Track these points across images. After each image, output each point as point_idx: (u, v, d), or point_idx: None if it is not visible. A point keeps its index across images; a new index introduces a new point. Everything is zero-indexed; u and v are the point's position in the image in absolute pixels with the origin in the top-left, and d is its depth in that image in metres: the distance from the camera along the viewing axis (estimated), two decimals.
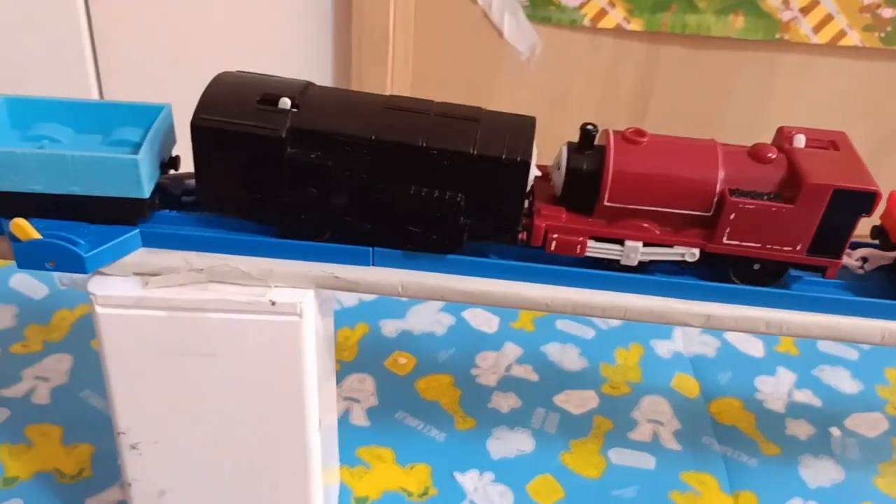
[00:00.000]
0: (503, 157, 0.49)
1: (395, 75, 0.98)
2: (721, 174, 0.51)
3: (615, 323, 0.93)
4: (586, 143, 0.52)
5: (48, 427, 0.75)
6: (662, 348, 0.89)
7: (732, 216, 0.50)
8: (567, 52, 0.98)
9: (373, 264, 0.52)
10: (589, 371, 0.86)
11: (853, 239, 0.53)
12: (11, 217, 0.50)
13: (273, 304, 0.50)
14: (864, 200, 0.50)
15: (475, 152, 0.49)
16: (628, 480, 0.74)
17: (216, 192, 0.52)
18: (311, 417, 0.55)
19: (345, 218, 0.52)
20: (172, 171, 0.55)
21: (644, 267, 0.53)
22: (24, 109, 0.55)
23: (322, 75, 1.02)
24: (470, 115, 0.51)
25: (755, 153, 0.52)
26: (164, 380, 0.53)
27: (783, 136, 0.54)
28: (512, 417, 0.79)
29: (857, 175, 0.50)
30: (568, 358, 0.87)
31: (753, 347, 0.91)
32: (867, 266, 0.56)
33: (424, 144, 0.49)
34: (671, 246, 0.52)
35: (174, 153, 0.56)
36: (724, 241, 0.51)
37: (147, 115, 0.54)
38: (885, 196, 0.53)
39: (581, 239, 0.52)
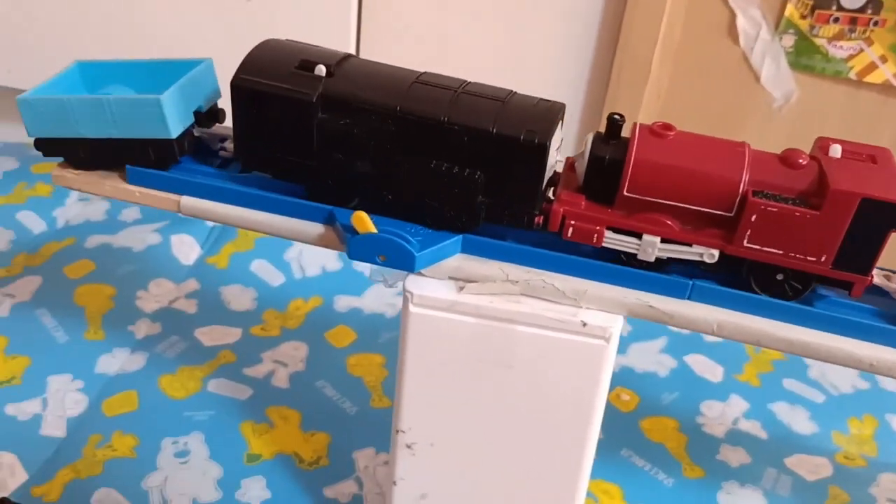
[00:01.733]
0: (521, 137, 0.49)
1: (646, 106, 0.97)
2: (746, 174, 0.49)
3: (846, 390, 0.88)
4: (612, 133, 0.51)
5: (288, 411, 0.77)
6: None
7: (754, 218, 0.48)
8: (824, 102, 0.95)
9: (689, 298, 0.51)
10: (820, 436, 0.82)
11: None
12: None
13: (584, 325, 0.50)
14: (895, 213, 0.46)
15: (494, 130, 0.49)
16: None
17: (252, 150, 0.54)
18: (591, 441, 0.55)
19: (368, 186, 0.53)
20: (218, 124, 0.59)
21: (662, 265, 0.51)
22: (94, 72, 0.60)
23: (573, 97, 1.02)
24: (497, 95, 0.51)
25: (785, 158, 0.50)
26: (455, 384, 0.54)
27: (820, 147, 0.51)
28: (742, 473, 0.76)
29: (890, 187, 0.47)
30: (797, 420, 0.83)
31: None
32: None
33: (446, 120, 0.50)
34: (690, 244, 0.50)
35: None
36: (745, 243, 0.49)
37: (193, 68, 0.57)
38: None
39: (598, 228, 0.51)
